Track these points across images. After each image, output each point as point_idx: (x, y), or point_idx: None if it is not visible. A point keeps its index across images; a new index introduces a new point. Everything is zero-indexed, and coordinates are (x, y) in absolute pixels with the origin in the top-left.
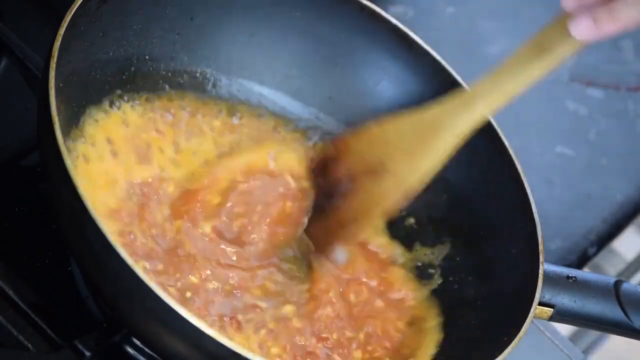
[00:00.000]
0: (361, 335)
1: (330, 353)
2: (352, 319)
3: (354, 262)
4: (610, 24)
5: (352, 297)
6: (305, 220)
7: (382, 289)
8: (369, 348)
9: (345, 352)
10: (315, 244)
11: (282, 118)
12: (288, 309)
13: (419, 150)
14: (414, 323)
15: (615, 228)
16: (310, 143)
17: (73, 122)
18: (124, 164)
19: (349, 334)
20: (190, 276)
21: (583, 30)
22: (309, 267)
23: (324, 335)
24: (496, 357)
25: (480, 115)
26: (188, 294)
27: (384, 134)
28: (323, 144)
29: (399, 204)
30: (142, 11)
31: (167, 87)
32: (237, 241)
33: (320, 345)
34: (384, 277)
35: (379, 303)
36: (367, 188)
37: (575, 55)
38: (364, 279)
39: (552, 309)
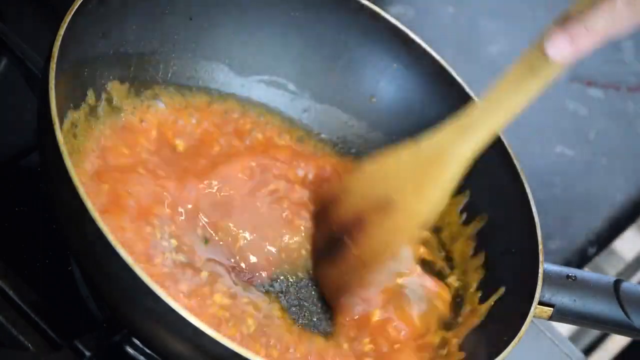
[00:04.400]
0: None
1: None
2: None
3: None
4: (587, 38)
5: None
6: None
7: None
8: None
9: None
10: (326, 293)
11: (281, 118)
12: None
13: (425, 182)
14: None
15: (615, 228)
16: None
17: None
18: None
19: None
20: None
21: (560, 51)
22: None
23: None
24: (496, 357)
25: (481, 140)
26: None
27: (385, 169)
28: (319, 191)
29: (413, 238)
30: (142, 11)
31: (167, 87)
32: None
33: None
34: None
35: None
36: (376, 227)
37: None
38: None
39: (552, 309)
